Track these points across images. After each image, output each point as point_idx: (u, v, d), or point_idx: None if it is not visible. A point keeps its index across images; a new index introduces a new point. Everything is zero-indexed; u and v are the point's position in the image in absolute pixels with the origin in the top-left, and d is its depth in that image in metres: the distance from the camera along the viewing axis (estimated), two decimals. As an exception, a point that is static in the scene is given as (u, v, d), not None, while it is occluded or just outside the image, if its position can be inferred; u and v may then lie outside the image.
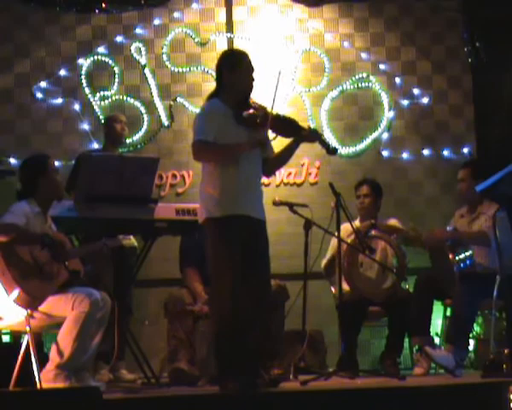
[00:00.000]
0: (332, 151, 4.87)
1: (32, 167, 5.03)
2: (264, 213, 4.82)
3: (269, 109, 4.72)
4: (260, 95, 4.84)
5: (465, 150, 7.56)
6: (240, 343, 4.59)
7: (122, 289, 5.69)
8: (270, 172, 5.12)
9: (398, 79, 7.64)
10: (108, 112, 7.22)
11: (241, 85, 4.77)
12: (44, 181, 4.96)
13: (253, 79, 4.80)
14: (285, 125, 4.81)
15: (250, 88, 4.80)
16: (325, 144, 4.84)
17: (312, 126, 4.86)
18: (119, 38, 7.49)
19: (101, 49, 7.45)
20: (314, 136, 4.83)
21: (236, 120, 4.70)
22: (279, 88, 4.73)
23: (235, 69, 4.75)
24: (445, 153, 7.59)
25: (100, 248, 5.06)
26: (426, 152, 7.58)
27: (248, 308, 4.63)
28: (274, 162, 4.93)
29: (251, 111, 4.71)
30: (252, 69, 4.81)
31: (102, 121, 6.72)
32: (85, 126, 7.34)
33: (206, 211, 4.71)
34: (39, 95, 7.37)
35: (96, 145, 7.20)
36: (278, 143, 4.93)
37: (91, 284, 5.01)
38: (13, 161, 7.07)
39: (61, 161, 6.99)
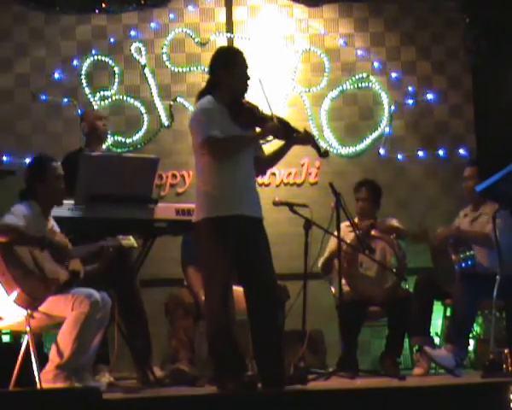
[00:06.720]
0: (323, 154, 4.91)
1: (30, 171, 5.00)
2: (262, 211, 4.76)
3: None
4: (259, 95, 4.82)
5: (464, 150, 7.57)
6: (234, 343, 4.57)
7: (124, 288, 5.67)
8: (260, 172, 5.04)
9: (398, 79, 7.63)
10: (108, 112, 7.21)
11: (237, 85, 4.72)
12: (41, 187, 4.91)
13: (248, 78, 4.74)
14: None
15: (246, 87, 4.75)
16: (317, 147, 4.84)
17: (307, 129, 4.87)
18: (119, 38, 7.49)
19: (101, 49, 7.45)
20: (306, 139, 4.81)
21: (232, 119, 4.67)
22: (266, 94, 4.69)
23: (230, 68, 4.69)
24: (445, 153, 7.58)
25: (99, 248, 5.06)
26: (426, 152, 7.58)
27: (257, 307, 4.62)
28: (265, 162, 4.89)
29: (247, 111, 4.69)
30: (247, 67, 4.75)
31: (80, 116, 6.31)
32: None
33: (204, 210, 4.64)
34: (39, 95, 7.36)
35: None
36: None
37: (91, 284, 5.00)
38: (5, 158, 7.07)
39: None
